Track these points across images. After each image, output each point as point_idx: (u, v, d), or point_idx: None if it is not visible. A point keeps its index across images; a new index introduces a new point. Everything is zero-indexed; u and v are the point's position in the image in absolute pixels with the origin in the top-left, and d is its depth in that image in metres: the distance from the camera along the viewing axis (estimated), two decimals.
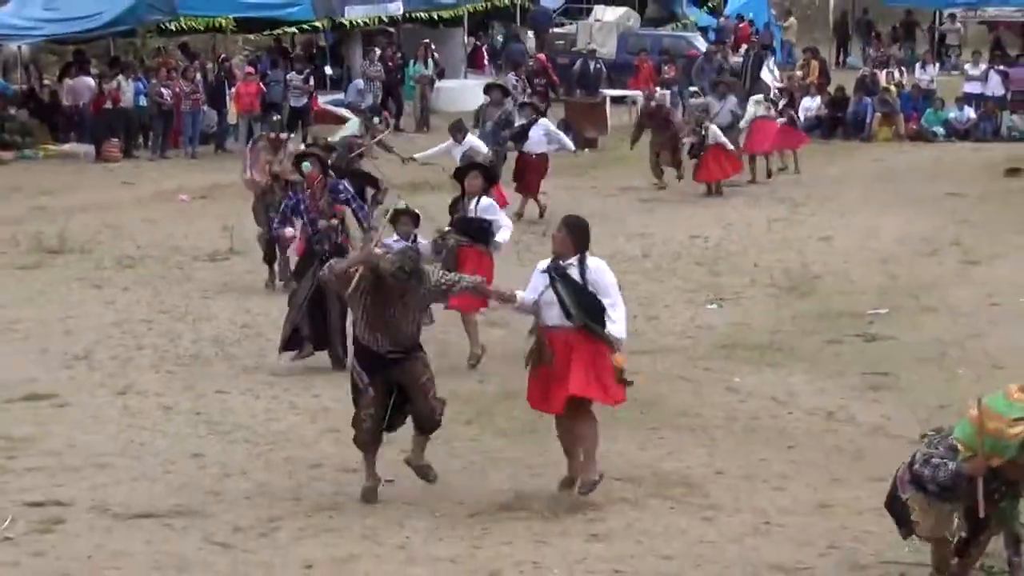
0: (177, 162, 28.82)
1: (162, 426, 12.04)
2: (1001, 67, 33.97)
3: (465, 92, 34.31)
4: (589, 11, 42.11)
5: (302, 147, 18.16)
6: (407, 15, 35.76)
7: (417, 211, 13.27)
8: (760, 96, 27.11)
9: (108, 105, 29.08)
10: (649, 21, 43.55)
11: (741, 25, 42.93)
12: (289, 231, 14.34)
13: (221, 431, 11.89)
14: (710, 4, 46.47)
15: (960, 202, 23.53)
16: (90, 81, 29.84)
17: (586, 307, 9.75)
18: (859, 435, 11.79)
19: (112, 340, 14.89)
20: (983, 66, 33.94)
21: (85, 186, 25.67)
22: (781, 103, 26.86)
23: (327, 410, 12.38)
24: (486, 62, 39.48)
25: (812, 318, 15.73)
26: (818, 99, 32.32)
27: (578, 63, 35.20)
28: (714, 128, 24.02)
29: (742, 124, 25.66)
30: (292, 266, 15.21)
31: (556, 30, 41.65)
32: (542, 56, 35.67)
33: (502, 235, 13.88)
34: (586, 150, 29.92)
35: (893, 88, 32.65)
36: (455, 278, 10.44)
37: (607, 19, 40.54)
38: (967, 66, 35.48)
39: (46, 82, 32.62)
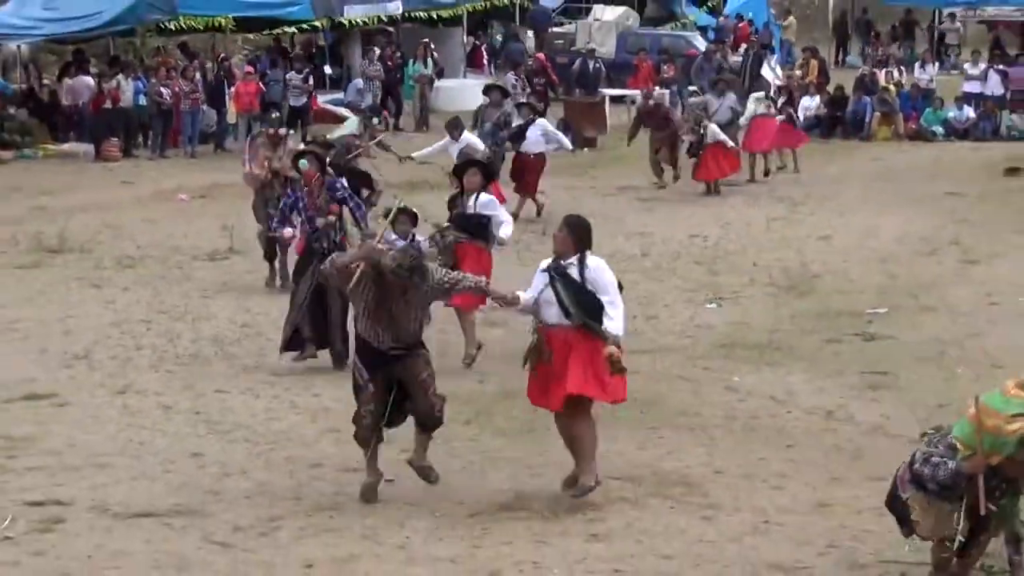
0: (176, 161, 28.82)
1: (162, 425, 12.05)
2: (1000, 66, 33.98)
3: (464, 91, 34.31)
4: (588, 10, 42.13)
5: (301, 146, 18.16)
6: (406, 14, 35.78)
7: (415, 210, 13.27)
8: (761, 94, 27.14)
9: (108, 104, 29.08)
10: (648, 20, 43.57)
11: (740, 24, 42.94)
12: (288, 231, 14.34)
13: (221, 430, 11.90)
14: (709, 3, 46.48)
15: (959, 201, 23.54)
16: (89, 80, 29.84)
17: (584, 305, 9.76)
18: (858, 434, 11.80)
19: (112, 340, 14.89)
20: (982, 65, 33.95)
21: (85, 186, 25.67)
22: (780, 101, 26.87)
23: (327, 410, 12.38)
24: (485, 62, 39.47)
25: (811, 317, 15.74)
26: (817, 98, 32.34)
27: (577, 62, 35.21)
28: (713, 127, 24.04)
29: (742, 121, 25.69)
30: (292, 267, 15.19)
31: (555, 29, 41.65)
32: (541, 55, 35.68)
33: (504, 230, 13.88)
34: (585, 149, 29.93)
35: (892, 87, 32.66)
36: (458, 276, 10.43)
37: (606, 18, 40.56)
38: (966, 65, 35.50)
39: (45, 81, 32.62)
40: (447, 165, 18.92)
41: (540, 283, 9.94)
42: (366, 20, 34.79)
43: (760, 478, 10.72)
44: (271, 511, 10.01)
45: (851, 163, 28.35)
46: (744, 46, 38.39)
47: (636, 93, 31.52)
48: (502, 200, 17.40)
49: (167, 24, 32.09)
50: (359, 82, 33.07)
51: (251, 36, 36.04)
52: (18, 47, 32.38)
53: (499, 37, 41.29)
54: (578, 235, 9.93)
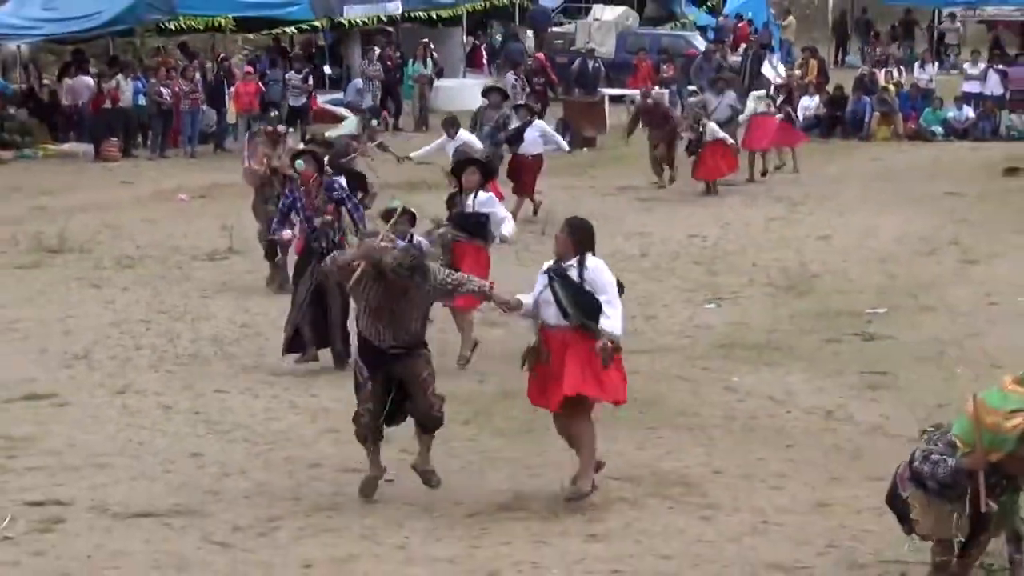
0: (176, 161, 28.83)
1: (161, 425, 12.05)
2: (1000, 66, 33.99)
3: (464, 91, 34.29)
4: (588, 10, 42.15)
5: (300, 145, 18.15)
6: (406, 14, 35.78)
7: (413, 210, 13.25)
8: (761, 92, 27.11)
9: (107, 104, 29.09)
10: (648, 20, 43.58)
11: (740, 24, 42.96)
12: (287, 233, 14.30)
13: (220, 430, 11.90)
14: (709, 3, 46.50)
15: (959, 201, 23.54)
16: (89, 80, 29.84)
17: (582, 306, 9.74)
18: (857, 434, 11.81)
19: (111, 340, 14.90)
20: (982, 65, 33.96)
21: (84, 186, 25.68)
22: (779, 100, 26.87)
23: (327, 410, 12.39)
24: (485, 61, 39.47)
25: (810, 317, 15.75)
26: (816, 98, 32.34)
27: (577, 62, 35.22)
28: (712, 125, 24.04)
29: (741, 118, 25.68)
30: (291, 268, 15.18)
31: (555, 29, 41.67)
32: (541, 55, 35.68)
33: (506, 228, 13.88)
34: (584, 149, 29.95)
35: (892, 87, 32.67)
36: (462, 279, 10.34)
37: (606, 18, 40.58)
38: (966, 65, 35.52)
39: (45, 81, 32.63)
40: (445, 164, 18.93)
41: (540, 284, 9.95)
42: (365, 20, 34.80)
43: (759, 478, 10.73)
44: (270, 511, 10.01)
45: (850, 163, 28.35)
46: (744, 46, 38.40)
47: (635, 93, 31.53)
48: (500, 198, 17.40)
49: (167, 24, 32.11)
50: (358, 82, 33.08)
51: (251, 36, 36.04)
52: (18, 47, 32.39)
53: (498, 37, 41.28)
54: (578, 237, 9.92)
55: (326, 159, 16.36)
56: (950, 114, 32.11)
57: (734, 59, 36.24)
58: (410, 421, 10.27)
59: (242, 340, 14.90)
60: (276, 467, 10.99)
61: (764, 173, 25.85)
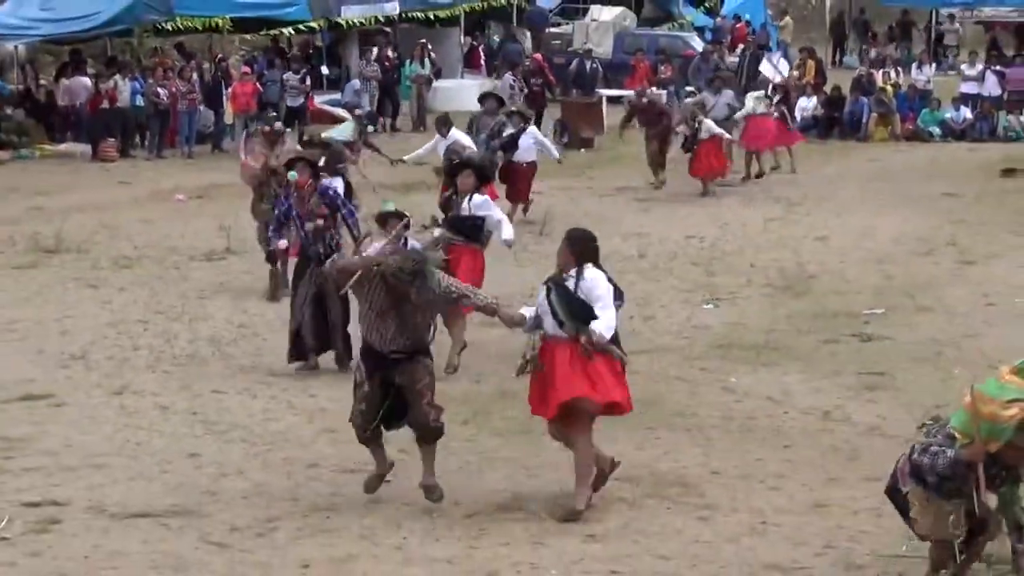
0: (174, 162, 28.82)
1: (159, 426, 12.05)
2: (998, 67, 34.01)
3: (461, 92, 34.30)
4: (585, 11, 42.15)
5: (298, 146, 18.14)
6: (403, 15, 35.77)
7: (407, 213, 13.15)
8: (761, 92, 27.10)
9: (105, 105, 29.08)
10: (645, 21, 43.60)
11: (738, 25, 42.99)
12: (283, 243, 14.19)
13: (218, 431, 11.90)
14: (706, 4, 46.51)
15: (956, 202, 23.55)
16: (86, 81, 29.84)
17: (576, 313, 9.71)
18: (855, 435, 11.81)
19: (108, 340, 14.89)
20: (979, 66, 33.99)
21: (82, 186, 25.67)
22: (775, 100, 26.87)
23: (324, 410, 12.38)
24: (482, 62, 39.47)
25: (808, 318, 15.75)
26: (814, 99, 32.36)
27: (574, 63, 35.22)
28: (708, 122, 24.04)
29: (738, 116, 25.66)
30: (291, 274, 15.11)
31: (552, 30, 41.67)
32: (539, 56, 35.69)
33: (506, 232, 13.88)
34: (582, 150, 29.97)
35: (889, 88, 32.68)
36: (466, 289, 10.18)
37: (603, 19, 40.58)
38: (963, 66, 35.55)
39: (42, 82, 32.60)
40: (438, 164, 19.00)
41: (541, 295, 9.95)
42: (363, 20, 34.80)
43: (757, 478, 10.73)
44: (268, 511, 10.01)
45: (848, 164, 28.36)
46: (741, 47, 38.43)
47: (633, 94, 31.53)
48: (494, 198, 17.37)
49: (164, 25, 32.09)
50: (356, 83, 33.08)
51: (248, 37, 36.03)
52: (15, 47, 32.36)
53: (496, 38, 41.28)
54: (578, 248, 9.88)
55: (322, 160, 16.36)
56: (948, 115, 32.13)
57: (732, 60, 36.25)
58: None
59: (240, 340, 14.89)
60: (274, 467, 10.98)
61: (760, 175, 25.81)
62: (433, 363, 10.20)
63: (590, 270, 9.81)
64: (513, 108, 23.39)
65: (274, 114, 21.61)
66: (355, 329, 11.92)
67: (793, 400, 12.77)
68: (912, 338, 14.84)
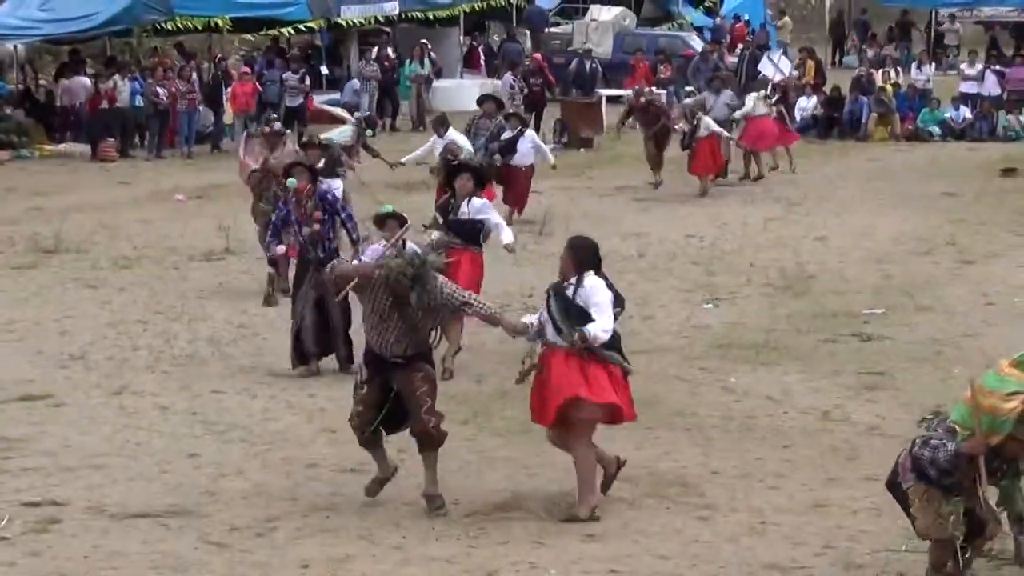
0: (173, 162, 28.82)
1: (158, 426, 12.05)
2: (997, 67, 34.01)
3: (461, 91, 34.31)
4: (585, 11, 42.14)
5: (297, 148, 18.09)
6: (403, 15, 35.77)
7: (404, 214, 13.12)
8: (762, 92, 27.08)
9: (104, 105, 29.09)
10: (645, 21, 43.58)
11: (737, 25, 42.99)
12: (281, 248, 14.15)
13: (217, 431, 11.90)
14: (706, 4, 46.51)
15: (956, 202, 23.56)
16: (86, 81, 29.84)
17: (572, 318, 9.72)
18: (854, 434, 11.80)
19: (108, 340, 14.89)
20: (979, 66, 33.99)
21: (81, 186, 25.67)
22: (774, 99, 26.85)
23: (324, 410, 12.39)
24: (482, 62, 39.47)
25: (807, 317, 15.75)
26: (814, 98, 32.36)
27: (574, 63, 35.23)
28: (707, 119, 24.04)
29: (737, 115, 25.64)
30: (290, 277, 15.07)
31: (552, 30, 41.67)
32: (538, 56, 35.69)
33: (506, 236, 13.87)
34: (582, 150, 29.97)
35: (889, 88, 32.68)
36: (469, 299, 10.08)
37: (603, 19, 40.57)
38: (963, 66, 35.55)
39: (42, 82, 32.63)
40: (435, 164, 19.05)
41: (543, 304, 9.94)
42: (362, 20, 34.80)
43: (756, 478, 10.73)
44: (267, 511, 10.01)
45: (847, 163, 28.36)
46: (740, 46, 38.42)
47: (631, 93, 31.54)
48: (493, 197, 17.37)
49: (163, 25, 32.09)
50: (355, 83, 33.08)
51: (248, 36, 36.03)
52: (15, 47, 32.35)
53: (496, 37, 41.27)
54: (578, 257, 9.87)
55: (322, 162, 16.34)
56: (947, 114, 32.13)
57: (731, 60, 36.24)
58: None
59: (239, 340, 14.89)
60: (273, 467, 10.98)
61: (759, 178, 25.76)
62: (435, 370, 10.17)
63: (590, 278, 9.78)
64: (511, 111, 23.37)
65: (275, 116, 21.56)
66: (357, 332, 11.96)
67: (793, 400, 12.77)
68: (911, 338, 14.84)
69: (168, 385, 13.25)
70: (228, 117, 30.59)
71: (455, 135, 19.97)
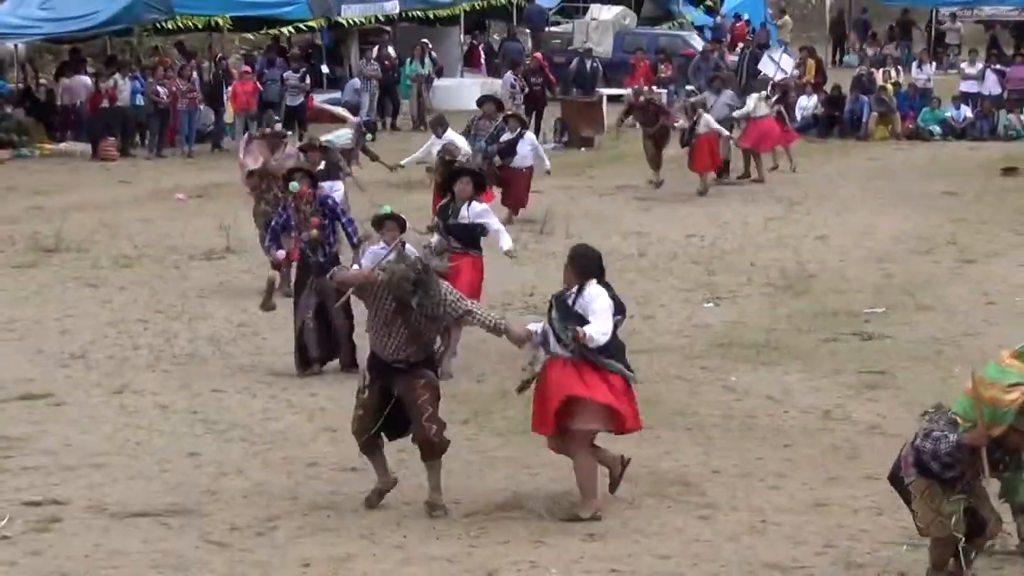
0: (174, 161, 28.81)
1: (159, 425, 12.05)
2: (998, 66, 34.01)
3: (461, 91, 34.32)
4: (585, 10, 42.14)
5: (298, 147, 18.06)
6: (403, 14, 35.77)
7: (403, 216, 13.10)
8: (763, 93, 27.07)
9: (105, 104, 29.07)
10: (645, 20, 43.57)
11: (737, 24, 42.97)
12: (280, 253, 14.15)
13: (218, 430, 11.90)
14: (706, 3, 46.51)
15: (956, 201, 23.55)
16: (86, 80, 29.84)
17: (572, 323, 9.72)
18: (855, 434, 11.81)
19: (108, 339, 14.89)
20: (980, 65, 33.99)
21: (81, 185, 25.66)
22: (774, 99, 26.83)
23: (324, 409, 12.39)
24: (482, 61, 39.47)
25: (808, 317, 15.75)
26: (814, 98, 32.35)
27: (574, 62, 35.21)
28: (707, 116, 24.03)
29: (736, 114, 25.63)
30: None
31: (552, 29, 41.67)
32: (539, 55, 35.68)
33: (506, 243, 13.88)
34: (582, 149, 29.96)
35: (890, 87, 32.67)
36: (471, 308, 10.04)
37: (603, 18, 40.56)
38: (963, 65, 35.55)
39: (42, 81, 32.62)
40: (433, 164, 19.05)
41: (545, 314, 9.96)
42: (363, 19, 34.79)
43: (757, 477, 10.72)
44: (268, 510, 10.01)
45: (848, 162, 28.36)
46: (741, 45, 38.41)
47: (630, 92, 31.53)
48: (491, 198, 17.37)
49: (164, 23, 32.10)
50: (356, 82, 33.07)
51: (249, 36, 36.03)
52: (15, 46, 32.36)
53: (496, 37, 41.27)
54: (579, 266, 9.85)
55: (322, 164, 16.31)
56: (948, 114, 32.12)
57: (732, 59, 36.24)
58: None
59: (239, 340, 14.89)
60: (274, 466, 10.98)
61: (759, 180, 25.72)
62: (438, 377, 10.13)
63: (591, 287, 9.75)
64: (510, 112, 23.36)
65: (277, 118, 21.54)
66: (360, 336, 11.95)
67: (793, 399, 12.77)
68: (912, 337, 14.84)
69: (168, 384, 13.25)
70: (229, 116, 30.57)
71: (453, 136, 19.96)
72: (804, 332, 15.09)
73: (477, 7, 37.99)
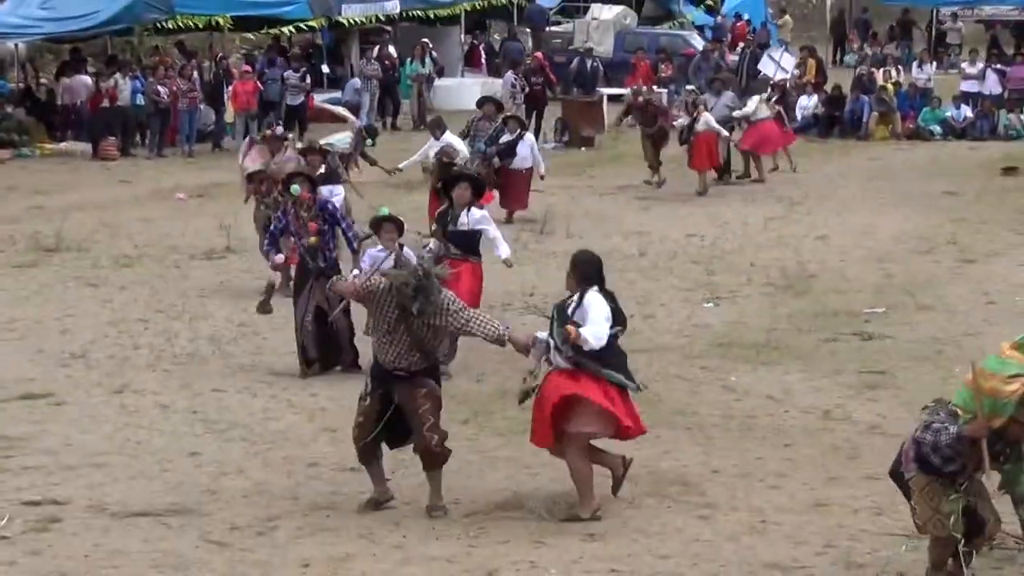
0: (174, 160, 28.81)
1: (159, 425, 12.05)
2: (998, 66, 34.00)
3: (462, 90, 34.33)
4: (586, 9, 42.14)
5: (298, 150, 18.06)
6: (404, 13, 35.77)
7: (401, 218, 13.08)
8: (766, 95, 27.05)
9: (105, 103, 29.07)
10: (646, 19, 43.56)
11: (738, 23, 42.96)
12: (279, 257, 14.13)
13: (218, 430, 11.91)
14: (707, 2, 46.50)
15: (956, 200, 23.55)
16: (87, 79, 29.84)
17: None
18: (855, 434, 11.81)
19: (109, 339, 14.89)
20: (980, 64, 33.99)
21: (82, 185, 25.66)
22: (773, 99, 26.81)
23: (324, 409, 12.39)
24: (483, 61, 39.47)
25: (808, 317, 15.75)
26: (815, 97, 32.35)
27: (575, 62, 35.20)
28: (707, 115, 24.03)
29: (737, 115, 25.62)
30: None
31: (553, 28, 41.66)
32: (539, 55, 35.68)
33: (504, 250, 13.86)
34: (583, 149, 29.97)
35: (890, 87, 32.67)
36: (473, 316, 9.97)
37: (604, 17, 40.55)
38: (964, 64, 35.54)
39: (43, 80, 32.62)
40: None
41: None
42: (364, 19, 34.80)
43: (757, 477, 10.73)
44: (268, 510, 10.01)
45: (849, 162, 28.36)
46: (741, 45, 38.40)
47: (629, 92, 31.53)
48: (491, 199, 17.36)
49: (164, 23, 32.10)
50: (356, 81, 33.07)
51: (249, 35, 36.03)
52: (16, 46, 32.36)
53: (497, 36, 41.27)
54: (580, 272, 9.84)
55: (322, 168, 16.31)
56: (948, 113, 32.11)
57: (732, 58, 36.23)
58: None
59: (240, 339, 14.90)
60: (274, 466, 10.99)
61: (760, 181, 25.72)
62: (440, 386, 10.11)
63: (591, 294, 9.73)
64: (510, 114, 23.35)
65: (279, 122, 21.50)
66: (362, 340, 11.95)
67: (793, 399, 12.77)
68: (912, 337, 14.84)
69: (169, 384, 13.26)
70: (229, 116, 30.57)
71: (451, 138, 19.97)
72: (804, 332, 15.09)
73: (478, 7, 37.99)
